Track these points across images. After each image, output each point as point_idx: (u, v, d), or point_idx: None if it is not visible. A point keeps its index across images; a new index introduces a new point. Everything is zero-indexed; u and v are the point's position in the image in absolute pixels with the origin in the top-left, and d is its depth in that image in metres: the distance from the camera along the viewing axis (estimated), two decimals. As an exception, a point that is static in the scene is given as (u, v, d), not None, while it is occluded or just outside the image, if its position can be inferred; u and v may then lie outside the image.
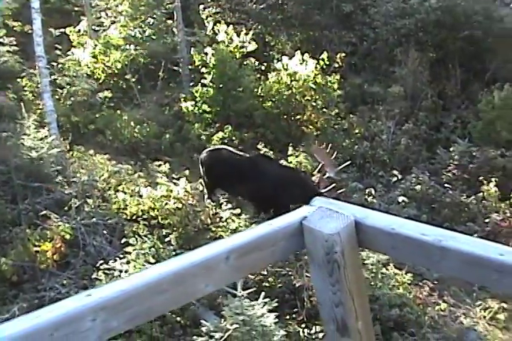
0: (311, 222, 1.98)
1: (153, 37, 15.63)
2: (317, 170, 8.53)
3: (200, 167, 8.86)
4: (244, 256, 1.87)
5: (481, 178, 10.05)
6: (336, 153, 8.74)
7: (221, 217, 8.24)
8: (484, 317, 7.00)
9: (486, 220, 9.26)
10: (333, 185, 8.26)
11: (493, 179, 9.74)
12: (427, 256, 1.84)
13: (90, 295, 1.58)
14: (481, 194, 9.67)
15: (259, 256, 1.93)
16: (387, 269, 7.11)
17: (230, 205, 8.31)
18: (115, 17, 16.78)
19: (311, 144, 8.80)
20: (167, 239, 7.44)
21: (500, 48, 14.33)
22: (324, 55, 12.45)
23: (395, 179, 10.37)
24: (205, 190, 8.80)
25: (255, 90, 12.70)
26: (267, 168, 8.38)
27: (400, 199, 9.62)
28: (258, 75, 13.29)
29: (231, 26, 13.42)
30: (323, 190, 8.12)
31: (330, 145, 8.84)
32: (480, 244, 1.76)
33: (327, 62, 12.49)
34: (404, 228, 1.86)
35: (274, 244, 1.97)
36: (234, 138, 11.89)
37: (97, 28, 16.66)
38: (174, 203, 7.96)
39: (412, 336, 6.38)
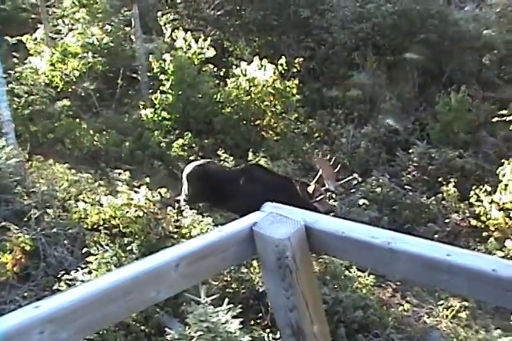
0: (261, 228, 1.99)
1: (112, 44, 15.51)
2: (315, 180, 8.45)
3: (185, 181, 8.79)
4: (195, 263, 1.87)
5: (440, 179, 10.21)
6: (337, 164, 8.64)
7: (182, 225, 8.19)
8: (447, 316, 7.07)
9: (446, 220, 9.39)
10: (322, 195, 8.21)
11: (452, 180, 9.88)
12: (377, 258, 1.85)
13: (39, 307, 1.55)
14: (441, 195, 9.80)
15: (209, 263, 1.93)
16: (350, 271, 7.15)
17: (191, 212, 8.27)
18: (72, 24, 16.63)
19: (315, 155, 8.73)
20: (129, 248, 7.36)
21: (455, 51, 14.59)
22: (283, 60, 12.46)
23: (356, 182, 10.43)
24: (182, 203, 8.75)
25: (214, 96, 12.67)
26: (260, 178, 8.36)
27: (361, 201, 9.68)
28: (217, 81, 13.27)
29: (189, 33, 13.38)
30: (316, 200, 8.09)
31: (334, 157, 8.79)
32: (428, 245, 1.78)
33: (285, 67, 12.51)
34: (354, 232, 1.88)
35: (224, 251, 1.97)
36: (194, 144, 11.85)
37: (54, 36, 16.46)
38: (135, 211, 7.88)
39: (376, 337, 6.41)
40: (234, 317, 5.42)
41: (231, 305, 5.52)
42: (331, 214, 8.03)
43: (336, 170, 8.44)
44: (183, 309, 6.15)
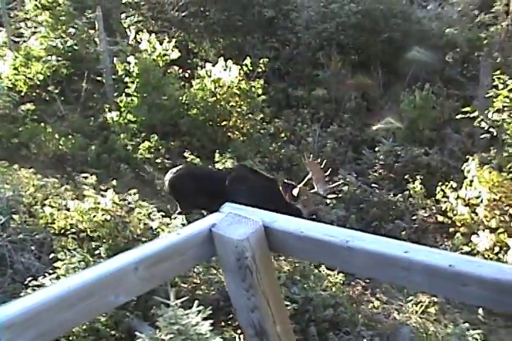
0: (220, 229, 1.99)
1: (76, 47, 15.38)
2: (303, 182, 8.39)
3: (170, 190, 8.74)
4: (154, 266, 1.86)
5: (406, 177, 10.29)
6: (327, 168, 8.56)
7: (151, 227, 8.15)
8: (416, 311, 7.15)
9: (414, 217, 9.49)
10: (305, 197, 8.16)
11: (418, 177, 9.96)
12: (336, 257, 1.87)
13: (-6, 314, 1.54)
14: (408, 192, 9.88)
15: (168, 266, 1.93)
16: (319, 270, 7.17)
17: (159, 214, 8.22)
18: (35, 27, 16.46)
19: (307, 158, 8.68)
20: (97, 252, 7.31)
21: (419, 49, 14.72)
22: (247, 61, 12.45)
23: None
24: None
25: (180, 98, 12.62)
26: (246, 178, 8.36)
27: (328, 200, 9.70)
28: (182, 83, 13.22)
29: (153, 35, 13.31)
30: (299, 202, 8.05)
31: (325, 161, 8.77)
32: (385, 242, 1.79)
33: (250, 68, 12.51)
34: (312, 231, 1.89)
35: (183, 253, 1.97)
36: (160, 147, 11.80)
37: (16, 39, 16.29)
38: (102, 215, 7.81)
39: (347, 335, 6.44)
40: (204, 318, 5.41)
41: (201, 307, 5.52)
42: (313, 216, 8.05)
43: (327, 174, 8.47)
44: (153, 312, 6.12)
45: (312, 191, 8.29)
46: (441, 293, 1.87)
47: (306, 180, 8.40)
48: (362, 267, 1.85)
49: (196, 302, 5.57)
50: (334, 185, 8.75)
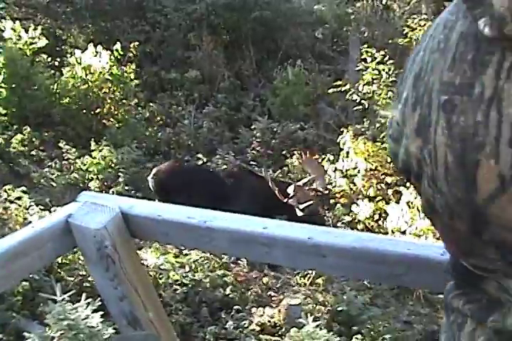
0: (76, 219, 1.93)
1: None
2: (303, 181, 8.16)
3: (157, 190, 8.36)
4: (9, 263, 1.78)
5: (284, 152, 10.45)
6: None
7: (30, 222, 7.89)
8: (305, 284, 7.29)
9: (293, 191, 9.64)
10: (298, 195, 7.87)
11: (295, 152, 10.14)
12: (196, 238, 1.85)
13: None
14: (286, 167, 10.04)
15: (25, 262, 1.85)
16: (204, 252, 7.18)
17: (37, 208, 7.96)
18: None
19: (303, 156, 8.44)
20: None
21: (289, 27, 14.94)
22: (118, 46, 12.17)
23: (201, 162, 10.47)
24: None
25: (51, 87, 12.18)
26: (243, 178, 8.23)
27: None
28: (52, 72, 12.75)
29: (18, 22, 12.76)
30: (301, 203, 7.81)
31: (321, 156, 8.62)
32: (243, 220, 1.80)
33: (121, 53, 12.22)
34: (170, 214, 1.86)
35: (40, 247, 1.89)
36: (34, 139, 11.38)
37: None
38: (-24, 212, 7.53)
39: (238, 313, 6.50)
40: (94, 311, 5.29)
41: (90, 300, 5.39)
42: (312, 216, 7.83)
43: (326, 170, 8.37)
44: (41, 310, 5.95)
45: (313, 186, 8.16)
46: (303, 266, 1.90)
47: (307, 179, 8.25)
48: (223, 246, 1.84)
49: (84, 294, 5.44)
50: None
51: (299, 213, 7.75)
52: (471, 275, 0.90)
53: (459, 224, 0.85)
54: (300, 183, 8.13)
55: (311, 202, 7.88)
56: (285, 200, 7.83)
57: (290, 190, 7.94)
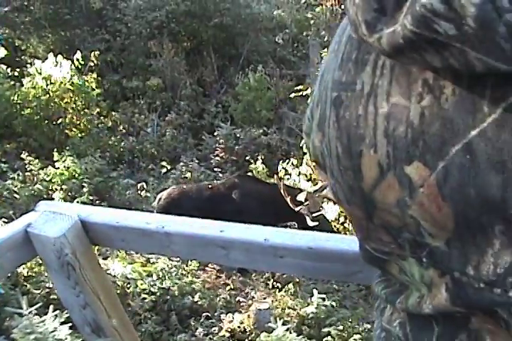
0: (36, 228, 1.93)
1: None
2: (316, 188, 8.05)
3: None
4: (-33, 274, 1.78)
5: (248, 158, 10.49)
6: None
7: None
8: (274, 287, 7.32)
9: (259, 197, 9.67)
10: (307, 202, 7.76)
11: (259, 157, 10.18)
12: (156, 244, 1.87)
13: None
14: (250, 172, 10.07)
15: (-16, 272, 1.85)
16: (171, 260, 7.18)
17: (1, 221, 7.88)
18: None
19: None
20: None
21: (250, 32, 15.03)
22: (78, 55, 12.14)
23: (165, 170, 10.46)
24: None
25: (12, 98, 12.09)
26: (251, 189, 8.09)
27: (172, 188, 9.72)
28: (12, 82, 12.65)
29: (-25, 33, 12.68)
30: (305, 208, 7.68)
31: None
32: (200, 224, 1.82)
33: (82, 62, 12.21)
34: (128, 220, 1.88)
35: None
36: (-5, 151, 11.31)
37: None
38: None
39: (208, 319, 6.50)
40: (62, 323, 5.25)
41: (57, 312, 5.34)
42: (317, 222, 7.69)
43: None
44: (7, 325, 5.88)
45: (321, 195, 8.06)
46: (261, 267, 1.93)
47: (319, 186, 8.14)
48: (181, 250, 1.86)
49: (51, 307, 5.40)
50: None
51: (311, 223, 7.54)
52: (376, 259, 0.96)
53: (356, 211, 0.92)
54: (311, 190, 8.09)
55: (322, 211, 7.80)
56: (297, 209, 7.60)
57: (301, 197, 7.74)
